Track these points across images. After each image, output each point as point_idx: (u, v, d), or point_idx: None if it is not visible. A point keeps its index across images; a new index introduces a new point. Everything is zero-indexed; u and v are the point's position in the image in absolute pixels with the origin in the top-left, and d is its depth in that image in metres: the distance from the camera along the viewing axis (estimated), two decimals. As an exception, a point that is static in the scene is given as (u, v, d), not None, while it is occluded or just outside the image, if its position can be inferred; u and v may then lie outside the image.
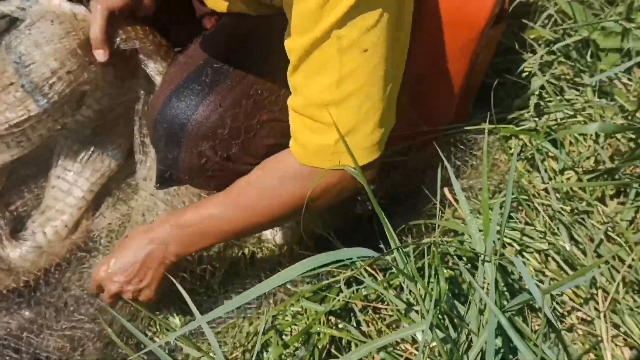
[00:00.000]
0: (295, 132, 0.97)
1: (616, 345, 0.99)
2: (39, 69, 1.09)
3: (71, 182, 1.27)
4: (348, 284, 1.04)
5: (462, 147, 1.30)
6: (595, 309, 1.02)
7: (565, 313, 1.04)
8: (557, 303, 1.04)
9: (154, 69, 1.15)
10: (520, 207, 1.15)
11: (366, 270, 1.02)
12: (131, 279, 1.08)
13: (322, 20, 0.85)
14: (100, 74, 1.15)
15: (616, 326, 1.00)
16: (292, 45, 0.90)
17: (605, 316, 1.00)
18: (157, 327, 1.19)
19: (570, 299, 1.05)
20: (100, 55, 1.10)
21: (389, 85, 0.93)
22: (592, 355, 0.97)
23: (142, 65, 1.16)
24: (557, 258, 1.09)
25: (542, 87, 1.41)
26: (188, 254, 1.09)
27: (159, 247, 1.06)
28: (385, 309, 1.01)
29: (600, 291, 1.03)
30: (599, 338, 0.98)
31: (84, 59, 1.11)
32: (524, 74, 1.47)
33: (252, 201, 1.02)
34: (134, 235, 1.10)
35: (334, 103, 0.91)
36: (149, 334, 1.18)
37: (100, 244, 1.28)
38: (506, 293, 0.97)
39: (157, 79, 1.16)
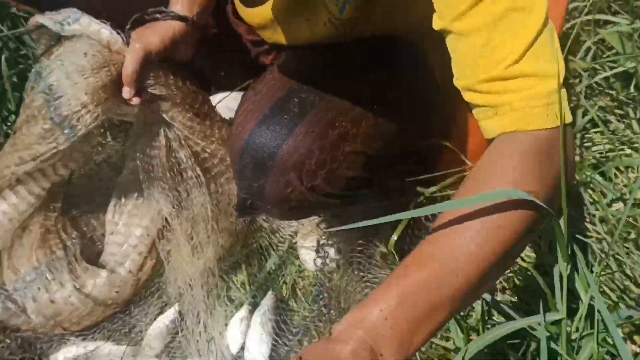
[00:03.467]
0: (490, 105, 0.80)
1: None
2: (69, 102, 1.07)
3: (124, 233, 1.29)
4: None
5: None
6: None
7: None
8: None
9: (175, 117, 1.17)
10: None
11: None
12: None
13: None
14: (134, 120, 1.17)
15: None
16: (454, 16, 0.80)
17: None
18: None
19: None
20: (127, 93, 1.10)
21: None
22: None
23: (160, 111, 1.15)
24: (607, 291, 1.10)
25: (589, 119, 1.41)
26: (411, 355, 0.70)
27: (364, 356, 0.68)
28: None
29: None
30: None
31: (113, 93, 1.10)
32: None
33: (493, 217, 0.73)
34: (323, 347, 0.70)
35: (524, 51, 0.78)
36: None
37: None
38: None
39: (180, 127, 1.17)
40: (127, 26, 1.11)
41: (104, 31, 1.09)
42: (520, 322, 0.80)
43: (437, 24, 0.83)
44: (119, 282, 1.26)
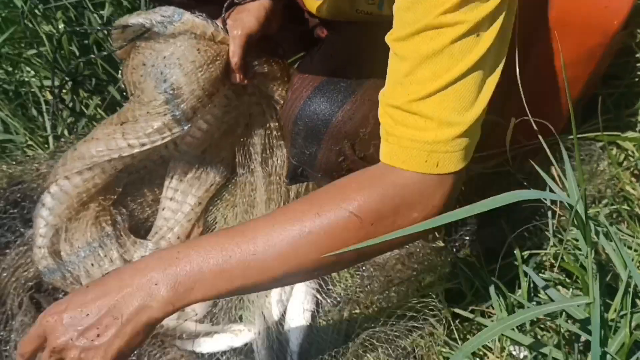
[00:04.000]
0: (386, 129, 0.86)
1: None
2: (190, 100, 1.14)
3: (180, 200, 1.33)
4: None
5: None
6: None
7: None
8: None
9: (275, 90, 1.22)
10: (620, 219, 1.11)
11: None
12: (84, 331, 0.77)
13: (433, 7, 0.79)
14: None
15: None
16: (396, 37, 0.84)
17: None
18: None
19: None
20: (237, 78, 1.14)
21: (491, 80, 0.84)
22: None
23: (262, 87, 1.21)
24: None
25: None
26: (180, 306, 0.80)
27: (140, 290, 0.78)
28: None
29: None
30: None
31: (223, 81, 1.16)
32: (634, 80, 1.41)
33: (304, 215, 0.81)
34: (112, 272, 0.83)
35: (433, 93, 0.81)
36: None
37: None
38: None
39: (278, 99, 1.22)
40: (224, 14, 1.14)
41: (207, 25, 1.13)
42: (544, 308, 0.77)
43: (387, 36, 0.86)
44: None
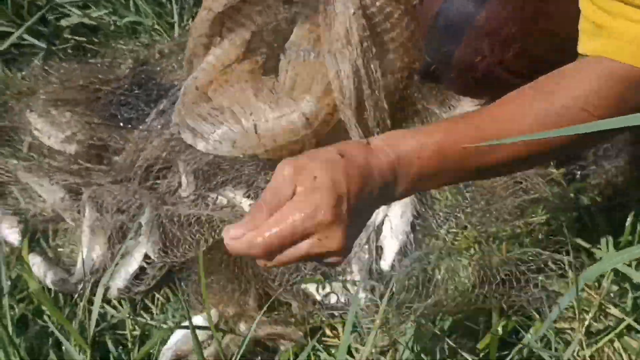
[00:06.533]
0: (601, 24, 0.77)
1: None
2: None
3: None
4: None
5: None
6: None
7: None
8: None
9: None
10: None
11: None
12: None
13: None
14: None
15: None
16: None
17: None
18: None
19: None
20: None
21: None
22: None
23: None
24: None
25: None
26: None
27: (378, 181, 0.70)
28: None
29: None
30: None
31: None
32: None
33: (541, 109, 0.77)
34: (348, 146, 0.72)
35: None
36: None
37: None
38: None
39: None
40: None
41: None
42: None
43: None
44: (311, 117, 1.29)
